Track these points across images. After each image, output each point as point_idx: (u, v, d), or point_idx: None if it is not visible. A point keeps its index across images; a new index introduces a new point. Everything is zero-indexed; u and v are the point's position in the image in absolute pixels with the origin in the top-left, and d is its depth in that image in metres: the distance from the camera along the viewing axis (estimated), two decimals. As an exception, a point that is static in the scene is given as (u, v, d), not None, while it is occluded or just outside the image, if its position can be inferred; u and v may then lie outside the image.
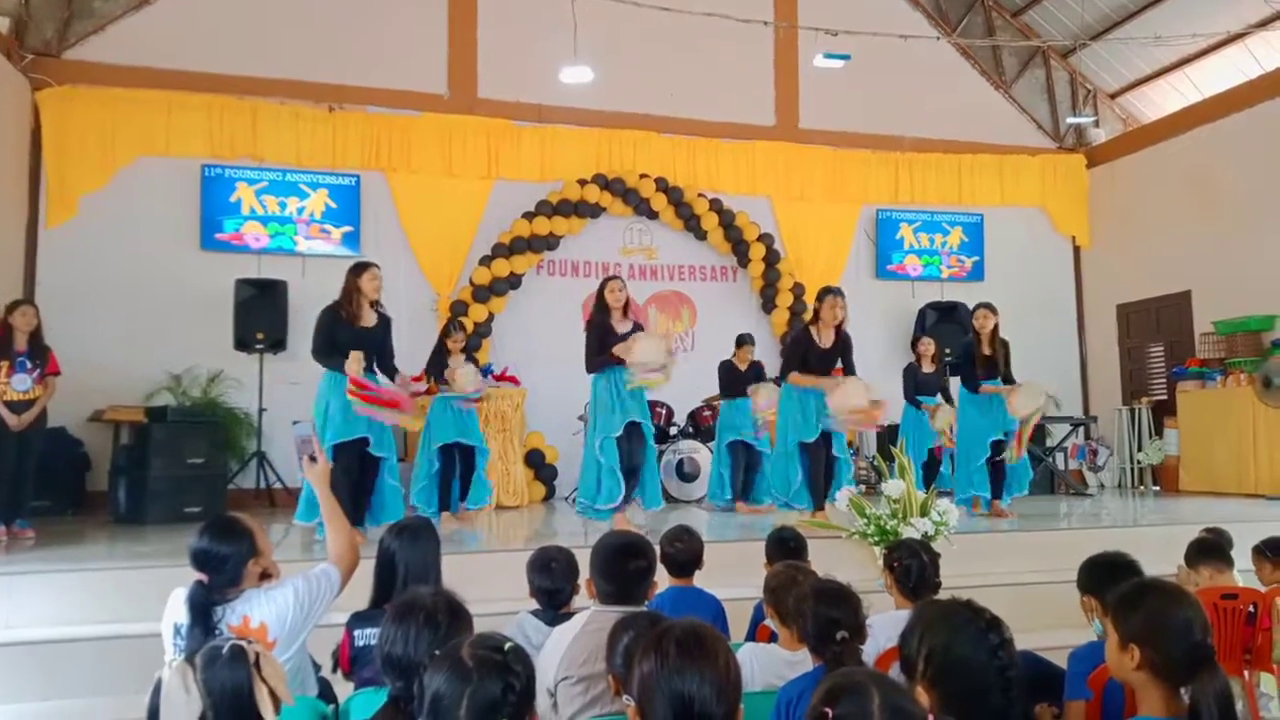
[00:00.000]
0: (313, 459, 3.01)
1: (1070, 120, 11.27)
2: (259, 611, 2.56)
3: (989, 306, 6.92)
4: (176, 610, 2.59)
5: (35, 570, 4.55)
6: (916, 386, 7.89)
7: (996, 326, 6.87)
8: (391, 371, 5.76)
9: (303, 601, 2.62)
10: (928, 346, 8.06)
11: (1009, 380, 6.84)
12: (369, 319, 5.60)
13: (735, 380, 7.65)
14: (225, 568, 2.53)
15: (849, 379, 6.14)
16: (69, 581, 4.43)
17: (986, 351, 6.85)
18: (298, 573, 2.68)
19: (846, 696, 1.33)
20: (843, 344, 6.31)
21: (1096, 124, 11.27)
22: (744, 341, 7.77)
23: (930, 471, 7.55)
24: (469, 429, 6.78)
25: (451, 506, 6.79)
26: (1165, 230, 10.13)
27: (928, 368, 7.98)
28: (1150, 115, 10.96)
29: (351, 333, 5.49)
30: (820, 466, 6.22)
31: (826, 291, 6.31)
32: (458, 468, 6.80)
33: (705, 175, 9.99)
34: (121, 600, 4.31)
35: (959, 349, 7.27)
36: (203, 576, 2.50)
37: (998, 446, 6.77)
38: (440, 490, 6.74)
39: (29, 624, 4.17)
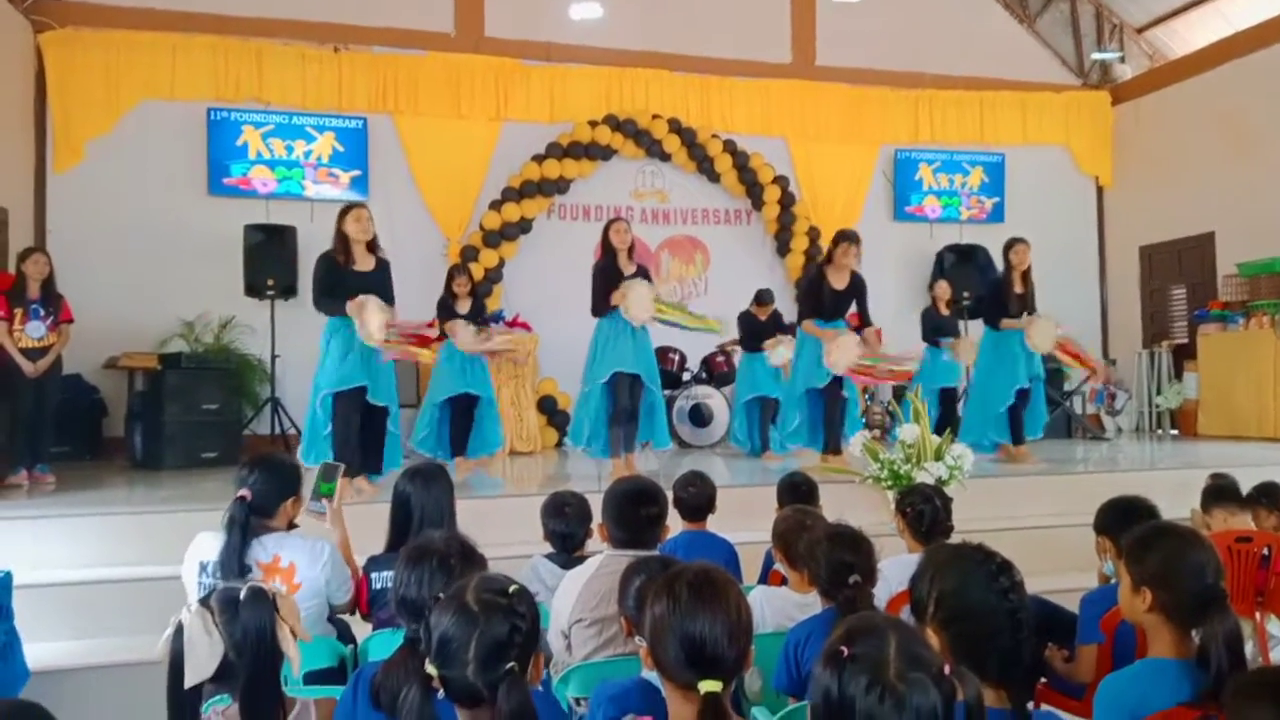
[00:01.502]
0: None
1: (1095, 56, 10.96)
2: (289, 554, 2.69)
3: (1025, 241, 6.77)
4: (202, 549, 2.70)
5: (59, 514, 4.64)
6: (935, 329, 7.83)
7: (1029, 264, 6.75)
8: (390, 305, 5.48)
9: (329, 576, 2.74)
10: (943, 290, 8.02)
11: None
12: (365, 263, 5.31)
13: (755, 332, 7.59)
14: (269, 489, 2.70)
15: (843, 335, 6.09)
16: (92, 525, 4.52)
17: (1019, 290, 6.71)
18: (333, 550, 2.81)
19: (863, 638, 1.33)
20: (856, 287, 6.25)
21: (1122, 60, 10.97)
22: (764, 300, 7.67)
23: (944, 415, 7.51)
24: (472, 378, 6.71)
25: (466, 452, 6.79)
26: (1190, 170, 9.91)
27: (944, 311, 7.93)
28: (1179, 51, 10.65)
29: (347, 277, 5.22)
30: (835, 410, 6.22)
31: (843, 237, 6.23)
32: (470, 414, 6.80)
33: (719, 115, 9.81)
34: (144, 544, 4.40)
35: (987, 287, 7.16)
36: (246, 493, 2.64)
37: (1023, 394, 6.66)
38: (454, 436, 6.74)
39: (55, 566, 4.25)
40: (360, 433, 5.29)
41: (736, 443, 7.80)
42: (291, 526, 2.86)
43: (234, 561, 2.60)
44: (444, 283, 6.79)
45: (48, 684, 3.53)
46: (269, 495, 2.74)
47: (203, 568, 2.71)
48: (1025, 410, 6.74)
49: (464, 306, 6.90)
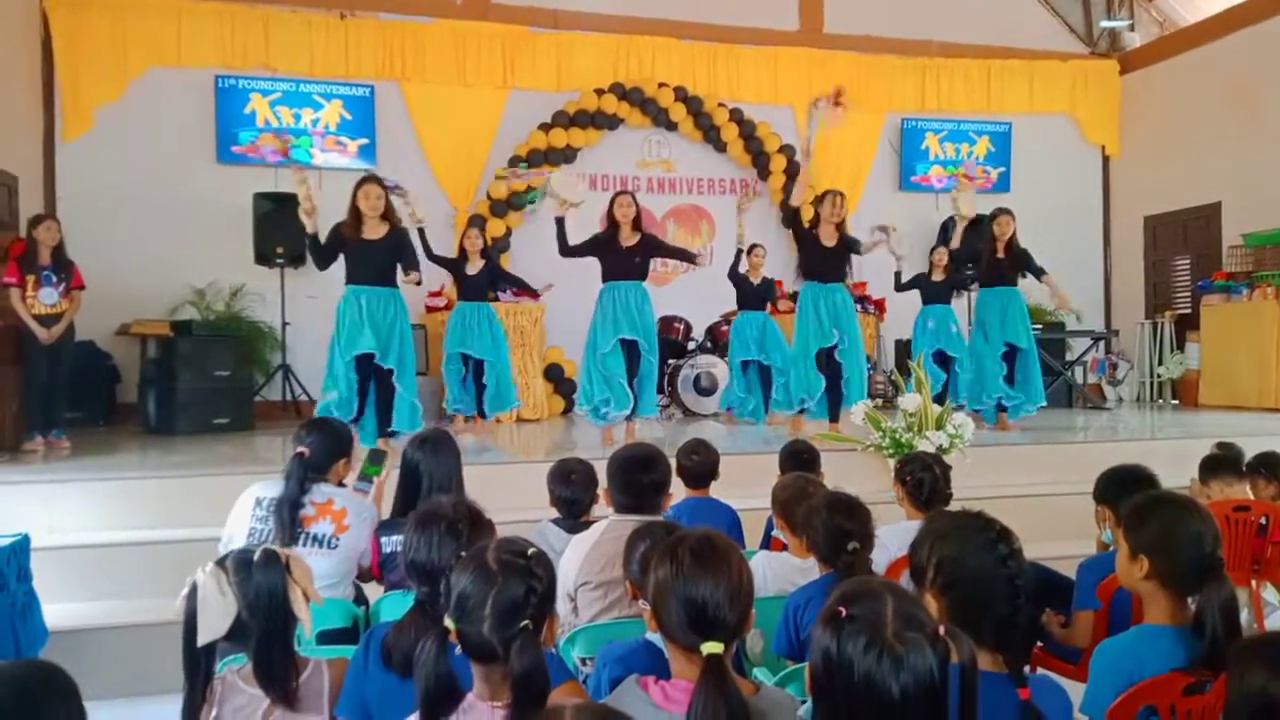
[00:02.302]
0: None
1: (1104, 24, 10.84)
2: (341, 500, 2.90)
3: (1008, 212, 6.90)
4: (258, 489, 2.90)
5: (75, 479, 4.71)
6: (929, 295, 7.73)
7: (1014, 232, 6.86)
8: (410, 270, 5.64)
9: (367, 535, 2.89)
10: (941, 256, 7.84)
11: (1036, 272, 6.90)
12: (375, 231, 5.48)
13: (747, 294, 7.61)
14: (324, 446, 2.94)
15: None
16: (107, 489, 4.58)
17: (1000, 256, 6.85)
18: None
19: (861, 600, 1.37)
20: (845, 243, 6.33)
21: (1132, 28, 10.84)
22: (752, 248, 7.66)
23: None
24: (473, 341, 6.84)
25: (484, 411, 6.94)
26: (1198, 139, 9.84)
27: (937, 276, 7.77)
28: (1189, 18, 10.52)
29: (352, 246, 5.44)
30: (837, 373, 6.26)
31: (824, 193, 6.39)
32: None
33: (726, 84, 9.75)
34: (158, 507, 4.48)
35: (972, 255, 7.26)
36: (304, 450, 2.89)
37: (1010, 355, 6.81)
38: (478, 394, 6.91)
39: (71, 529, 4.33)
40: (371, 395, 5.49)
41: (734, 406, 7.73)
42: (340, 485, 3.06)
43: (287, 509, 2.78)
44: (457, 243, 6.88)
45: (66, 643, 3.62)
46: (323, 454, 2.95)
47: (258, 502, 2.87)
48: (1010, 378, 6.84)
49: (474, 266, 6.97)
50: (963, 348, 7.32)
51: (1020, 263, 6.88)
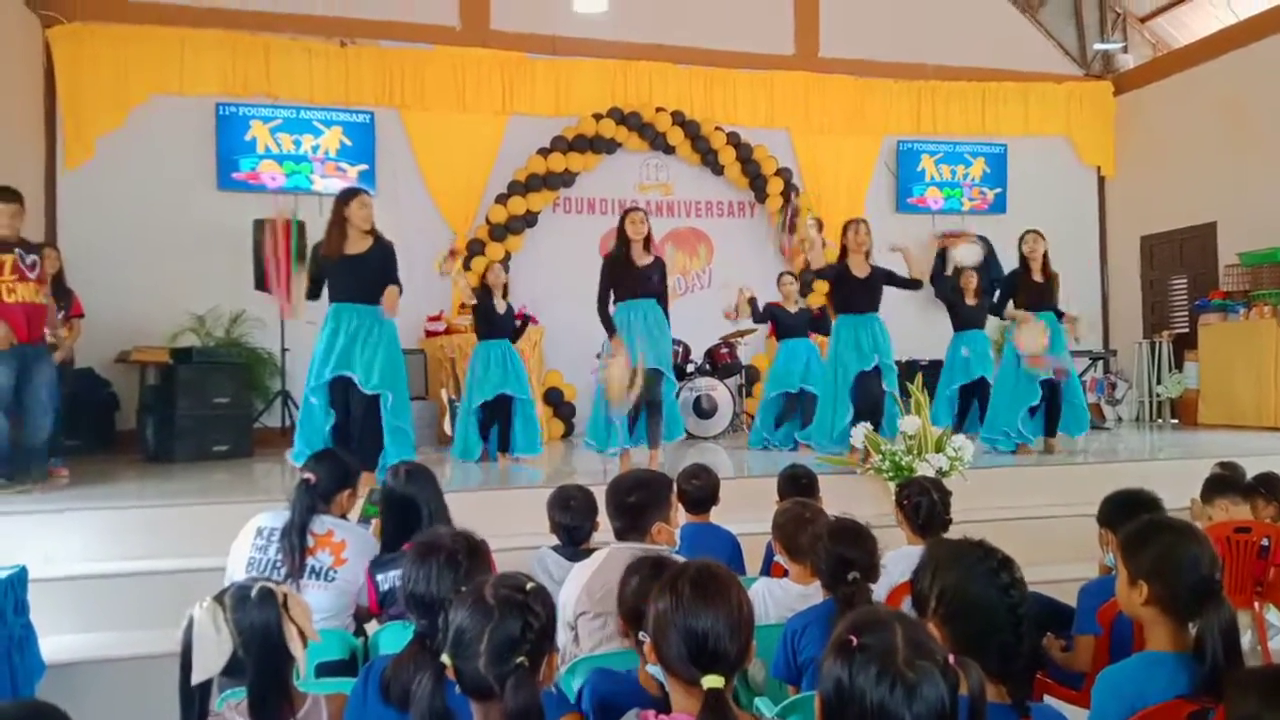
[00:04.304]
0: None
1: (1098, 47, 10.94)
2: (342, 533, 2.91)
3: (1038, 232, 6.71)
4: (260, 519, 2.91)
5: (72, 508, 4.68)
6: (964, 322, 7.49)
7: (1046, 254, 6.66)
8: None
9: (364, 563, 2.88)
10: (970, 280, 7.51)
11: (1057, 313, 6.70)
12: (358, 246, 5.16)
13: (787, 325, 7.55)
14: (331, 476, 2.99)
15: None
16: (105, 519, 4.56)
17: (1038, 279, 6.62)
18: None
19: (870, 629, 1.36)
20: (880, 274, 6.24)
21: (1125, 50, 10.93)
22: (781, 276, 7.64)
23: (964, 410, 7.35)
24: (509, 379, 6.69)
25: (509, 449, 6.78)
26: (1193, 160, 9.90)
27: (970, 300, 7.48)
28: (1183, 40, 10.61)
29: (334, 263, 5.12)
30: (870, 397, 6.09)
31: (848, 223, 6.32)
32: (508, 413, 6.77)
33: (722, 108, 9.82)
34: (155, 537, 4.46)
35: (1004, 277, 7.06)
36: (311, 476, 2.92)
37: (1048, 386, 6.59)
38: (500, 432, 6.78)
39: (68, 559, 4.31)
40: (356, 424, 5.15)
41: (759, 441, 7.44)
42: (343, 518, 3.07)
43: (295, 535, 2.80)
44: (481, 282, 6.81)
45: (62, 677, 3.60)
46: (329, 483, 2.98)
47: (259, 531, 2.88)
48: (1058, 404, 6.64)
49: (501, 304, 6.84)
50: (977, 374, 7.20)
51: (1057, 285, 6.69)
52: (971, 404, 7.40)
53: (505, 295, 6.98)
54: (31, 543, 4.29)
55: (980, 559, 1.78)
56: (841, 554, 2.41)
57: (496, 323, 6.79)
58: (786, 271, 7.85)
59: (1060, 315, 6.75)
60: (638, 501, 2.75)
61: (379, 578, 2.81)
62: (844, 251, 6.25)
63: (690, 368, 8.79)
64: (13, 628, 3.40)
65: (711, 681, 1.48)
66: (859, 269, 6.20)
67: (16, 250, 5.19)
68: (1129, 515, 2.67)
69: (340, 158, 8.88)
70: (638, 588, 1.95)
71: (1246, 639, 3.70)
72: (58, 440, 6.02)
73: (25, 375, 5.20)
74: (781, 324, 7.65)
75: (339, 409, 5.12)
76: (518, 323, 7.08)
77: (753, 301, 7.50)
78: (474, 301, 6.81)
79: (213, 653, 1.76)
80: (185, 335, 8.14)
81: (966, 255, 7.01)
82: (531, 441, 6.75)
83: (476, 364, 6.72)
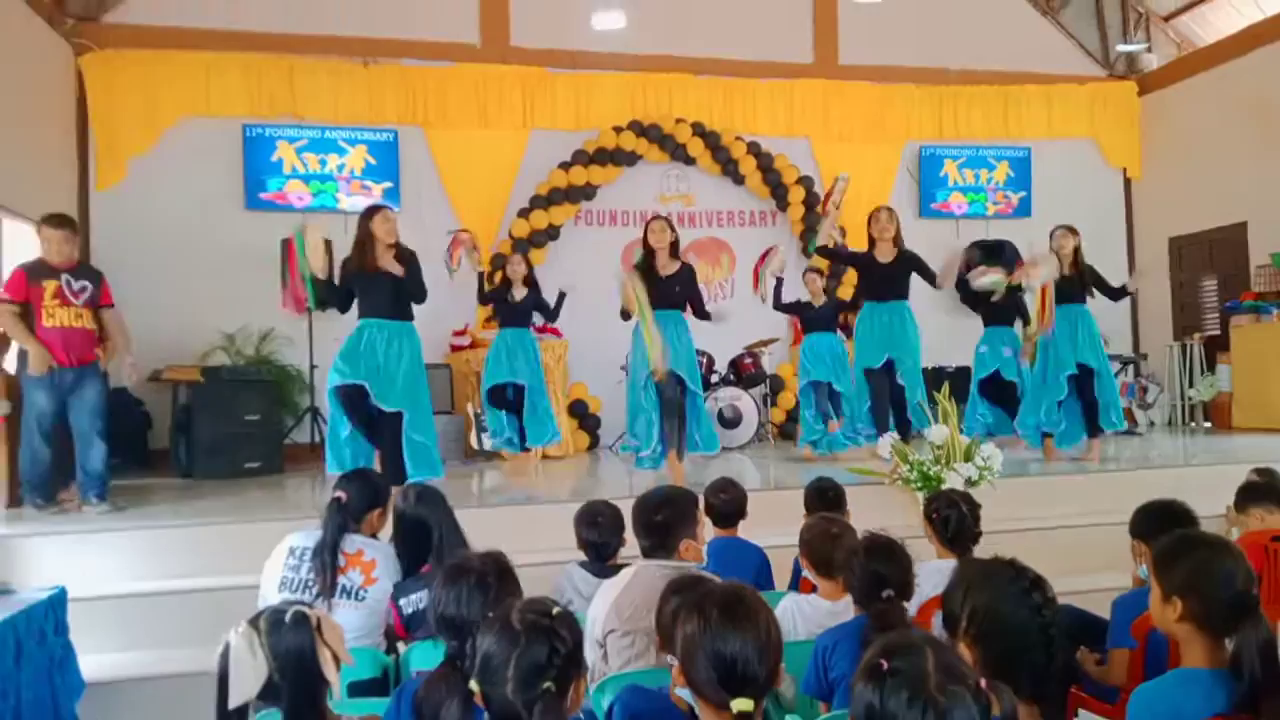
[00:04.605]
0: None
1: (1120, 48, 10.83)
2: (371, 552, 2.93)
3: (1069, 228, 6.64)
4: (292, 539, 2.94)
5: (109, 528, 4.74)
6: (984, 317, 7.40)
7: (1078, 249, 6.56)
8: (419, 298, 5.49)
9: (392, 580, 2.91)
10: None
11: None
12: (386, 259, 5.29)
13: (812, 319, 7.48)
14: (361, 495, 3.01)
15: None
16: (141, 539, 4.61)
17: (1067, 273, 6.53)
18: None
19: (901, 653, 1.37)
20: (906, 260, 6.22)
21: (1148, 50, 10.82)
22: (806, 272, 7.60)
23: (1003, 397, 7.19)
24: (518, 367, 6.84)
25: (526, 442, 6.93)
26: (1221, 159, 9.77)
27: (996, 297, 7.29)
28: (1207, 38, 10.49)
29: (367, 279, 5.27)
30: (884, 393, 6.10)
31: (872, 212, 6.38)
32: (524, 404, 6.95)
33: (742, 118, 9.83)
34: (193, 555, 4.51)
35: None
36: (342, 495, 2.95)
37: (1076, 383, 6.46)
38: (520, 426, 6.91)
39: (106, 579, 4.37)
40: (375, 439, 5.27)
41: (816, 441, 7.19)
42: (374, 537, 3.09)
43: (327, 553, 2.83)
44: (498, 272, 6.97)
45: (101, 695, 3.66)
46: (359, 502, 3.00)
47: (291, 551, 2.91)
48: (1091, 401, 6.49)
49: (519, 292, 7.03)
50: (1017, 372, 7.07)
51: (1089, 278, 6.60)
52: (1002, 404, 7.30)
53: (527, 283, 7.16)
54: (68, 562, 4.35)
55: (1012, 579, 1.78)
56: (876, 571, 2.40)
57: (514, 311, 7.06)
58: (812, 269, 7.80)
59: (1119, 295, 6.70)
60: (665, 519, 2.73)
61: (401, 603, 2.83)
62: (871, 242, 6.31)
63: (714, 378, 8.78)
64: (53, 647, 3.47)
65: (741, 705, 1.49)
66: (884, 255, 6.21)
67: (64, 276, 5.24)
68: (1161, 527, 2.65)
69: (365, 176, 8.99)
70: (678, 608, 1.96)
71: (1286, 650, 3.64)
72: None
73: (69, 400, 5.25)
74: (806, 319, 7.61)
75: (356, 418, 5.24)
76: (551, 302, 7.25)
77: (779, 284, 7.36)
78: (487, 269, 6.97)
79: (249, 677, 1.78)
80: (215, 354, 8.27)
81: (985, 284, 6.86)
82: (541, 431, 6.83)
83: (489, 353, 7.02)
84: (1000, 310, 7.27)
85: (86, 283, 5.34)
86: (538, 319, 7.42)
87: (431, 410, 5.48)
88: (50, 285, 5.19)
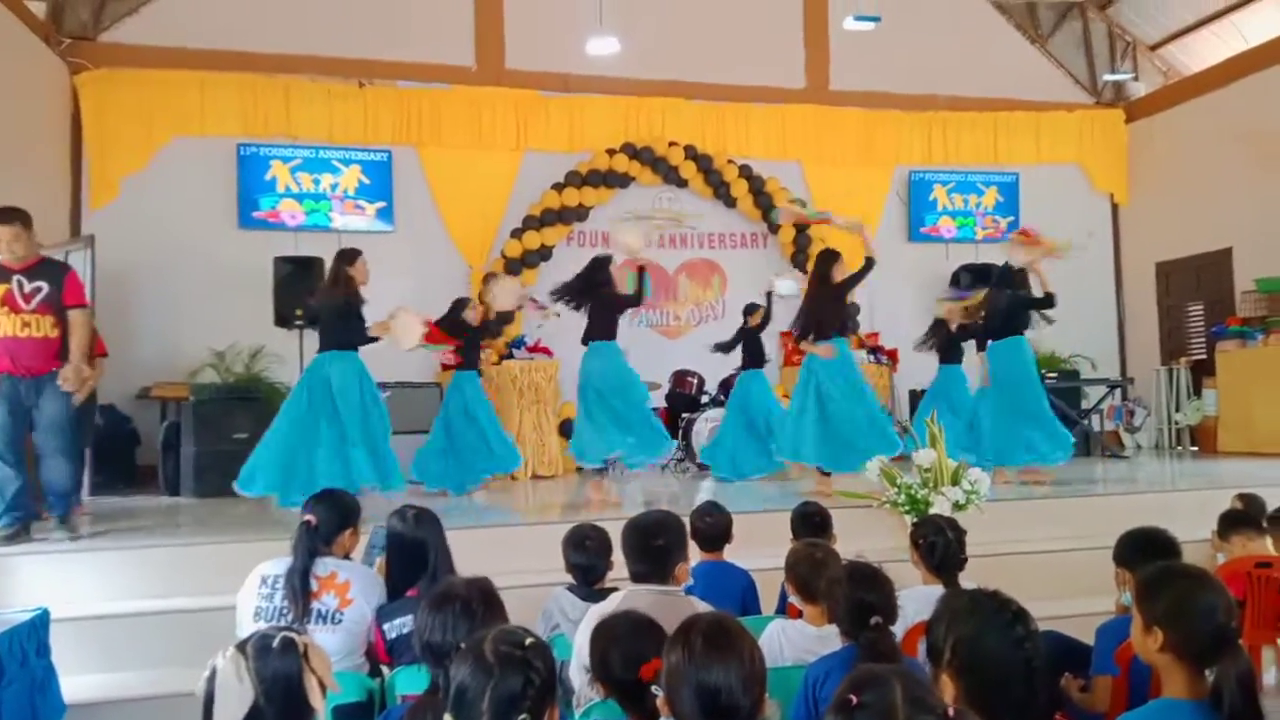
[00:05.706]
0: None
1: (1107, 77, 10.98)
2: (345, 574, 2.90)
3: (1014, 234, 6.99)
4: (263, 568, 2.90)
5: (95, 548, 4.71)
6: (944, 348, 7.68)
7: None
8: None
9: (372, 602, 2.87)
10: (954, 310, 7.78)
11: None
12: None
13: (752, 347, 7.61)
14: (331, 517, 2.98)
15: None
16: (127, 558, 4.58)
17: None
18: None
19: (870, 688, 1.38)
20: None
21: (1135, 78, 10.97)
22: (753, 309, 7.75)
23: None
24: (471, 402, 6.91)
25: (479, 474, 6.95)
26: (1207, 186, 9.88)
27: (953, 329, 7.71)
28: (1193, 67, 10.64)
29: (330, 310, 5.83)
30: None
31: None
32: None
33: (734, 141, 9.92)
34: (178, 575, 4.47)
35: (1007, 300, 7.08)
36: (311, 518, 2.91)
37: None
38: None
39: (90, 599, 4.32)
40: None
41: (719, 473, 7.45)
42: (346, 558, 3.07)
43: (298, 579, 2.80)
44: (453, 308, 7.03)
45: (83, 717, 3.62)
46: (330, 524, 2.97)
47: (264, 580, 2.87)
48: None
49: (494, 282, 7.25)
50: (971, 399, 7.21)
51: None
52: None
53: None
54: (50, 582, 4.31)
55: (995, 611, 1.79)
56: (861, 598, 2.40)
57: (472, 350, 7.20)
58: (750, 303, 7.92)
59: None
60: (665, 545, 2.72)
61: (385, 626, 2.79)
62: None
63: (704, 398, 8.79)
64: (35, 670, 3.43)
65: (724, 736, 1.50)
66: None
67: (16, 278, 4.69)
68: (1145, 555, 2.67)
69: (359, 196, 9.02)
70: (605, 654, 1.96)
71: (1271, 676, 3.66)
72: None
73: (29, 413, 4.78)
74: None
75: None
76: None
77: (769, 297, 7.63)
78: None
79: (235, 702, 1.78)
80: (205, 371, 8.23)
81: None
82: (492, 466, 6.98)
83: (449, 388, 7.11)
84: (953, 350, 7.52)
85: (42, 283, 4.73)
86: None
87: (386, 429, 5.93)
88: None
